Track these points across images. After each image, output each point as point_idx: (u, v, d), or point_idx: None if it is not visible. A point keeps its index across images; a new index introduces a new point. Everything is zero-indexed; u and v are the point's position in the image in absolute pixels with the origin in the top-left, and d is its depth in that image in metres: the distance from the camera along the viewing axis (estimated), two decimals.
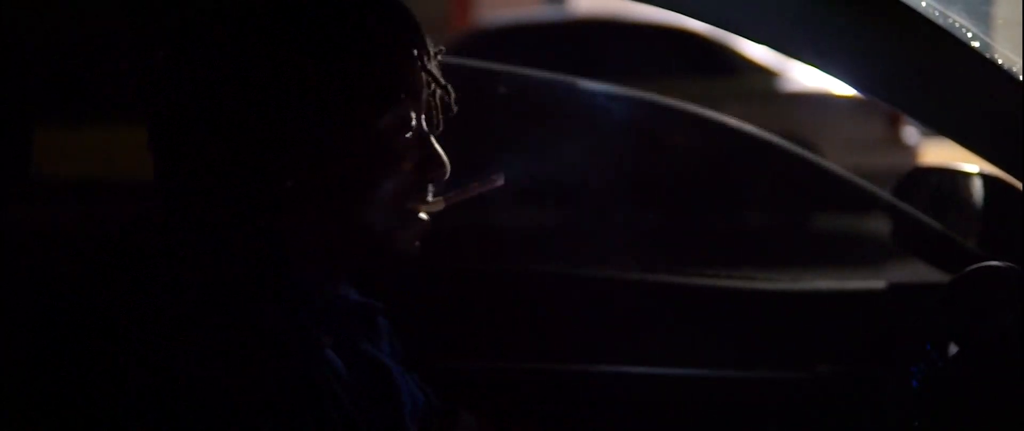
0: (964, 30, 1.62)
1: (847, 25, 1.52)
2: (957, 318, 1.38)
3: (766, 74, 7.68)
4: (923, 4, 1.55)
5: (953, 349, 1.38)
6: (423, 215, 1.17)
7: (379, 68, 1.12)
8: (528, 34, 8.55)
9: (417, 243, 1.18)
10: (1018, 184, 1.66)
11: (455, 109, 1.22)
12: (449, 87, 1.20)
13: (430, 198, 1.18)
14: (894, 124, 7.31)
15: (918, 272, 2.05)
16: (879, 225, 2.17)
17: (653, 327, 1.96)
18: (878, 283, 2.05)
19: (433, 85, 1.18)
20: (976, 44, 1.63)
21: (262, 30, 1.10)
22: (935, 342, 1.39)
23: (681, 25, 7.23)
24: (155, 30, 1.29)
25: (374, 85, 1.11)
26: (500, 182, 1.23)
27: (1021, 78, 1.66)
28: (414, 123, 1.15)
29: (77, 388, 1.01)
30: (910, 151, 7.42)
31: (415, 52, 1.15)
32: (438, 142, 1.19)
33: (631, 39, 7.95)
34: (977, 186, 1.89)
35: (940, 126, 1.75)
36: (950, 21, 1.59)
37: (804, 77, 7.35)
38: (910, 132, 7.43)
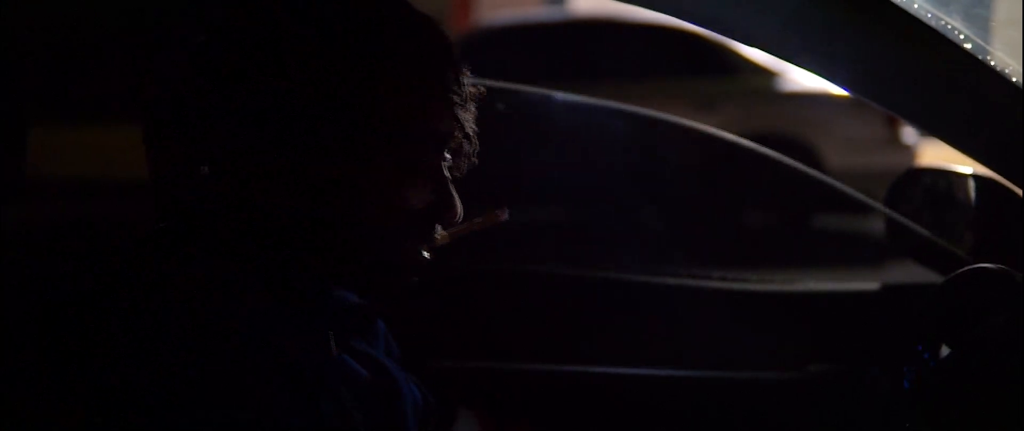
0: (957, 32, 1.63)
1: (839, 28, 1.53)
2: (949, 319, 1.39)
3: (766, 74, 7.68)
4: (915, 6, 1.56)
5: (945, 350, 1.38)
6: (425, 253, 1.15)
7: (399, 108, 1.08)
8: (528, 34, 8.55)
9: (415, 278, 1.15)
10: (1012, 185, 1.67)
11: (475, 158, 1.18)
12: (473, 137, 1.16)
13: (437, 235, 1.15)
14: (893, 124, 7.30)
15: (914, 273, 2.06)
16: (877, 226, 2.17)
17: (646, 328, 1.96)
18: (871, 284, 2.05)
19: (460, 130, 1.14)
20: (968, 46, 1.64)
21: (294, 43, 1.07)
22: (927, 343, 1.40)
23: (681, 26, 7.22)
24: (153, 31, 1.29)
25: (390, 123, 1.08)
26: (505, 218, 1.22)
27: (1014, 80, 1.66)
28: (430, 164, 1.12)
29: (79, 389, 1.01)
30: (909, 151, 7.41)
31: (443, 96, 1.11)
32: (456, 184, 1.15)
33: (631, 39, 7.94)
34: (971, 187, 1.89)
35: (933, 128, 1.75)
36: (942, 23, 1.60)
37: (804, 77, 7.35)
38: (909, 132, 7.42)
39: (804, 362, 1.93)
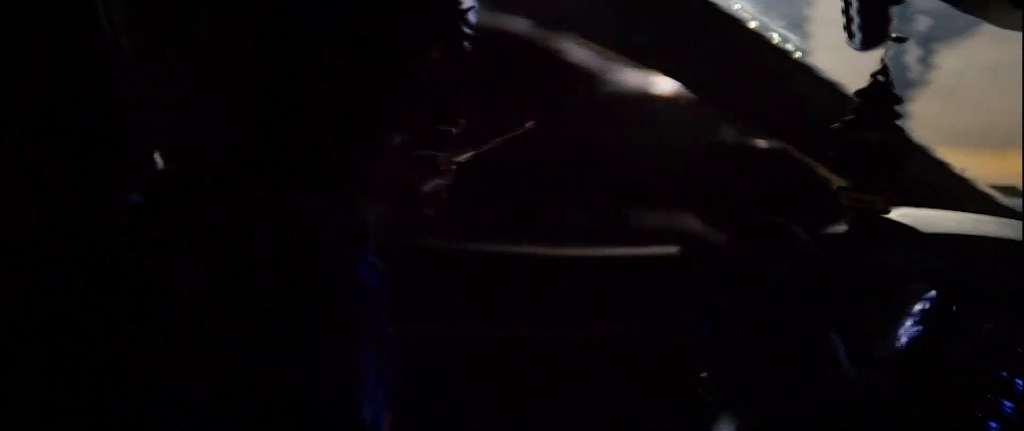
0: (743, 12, 1.72)
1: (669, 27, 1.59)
2: (735, 272, 1.45)
3: None
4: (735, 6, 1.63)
5: (735, 300, 1.44)
6: (443, 165, 1.14)
7: (411, 10, 1.08)
8: None
9: (441, 194, 1.15)
10: (799, 154, 1.78)
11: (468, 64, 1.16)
12: (474, 41, 1.14)
13: (455, 150, 1.15)
14: None
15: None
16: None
17: (455, 292, 2.00)
18: (671, 249, 2.13)
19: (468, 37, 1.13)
20: (754, 24, 1.73)
21: None
22: (718, 296, 1.45)
23: None
24: None
25: (403, 26, 1.07)
26: (531, 126, 1.22)
27: (797, 56, 1.77)
28: (440, 72, 1.11)
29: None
30: None
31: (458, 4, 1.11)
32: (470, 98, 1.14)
33: None
34: (767, 155, 2.00)
35: (727, 106, 1.84)
36: (728, 3, 1.69)
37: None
38: None
39: (605, 322, 2.00)
